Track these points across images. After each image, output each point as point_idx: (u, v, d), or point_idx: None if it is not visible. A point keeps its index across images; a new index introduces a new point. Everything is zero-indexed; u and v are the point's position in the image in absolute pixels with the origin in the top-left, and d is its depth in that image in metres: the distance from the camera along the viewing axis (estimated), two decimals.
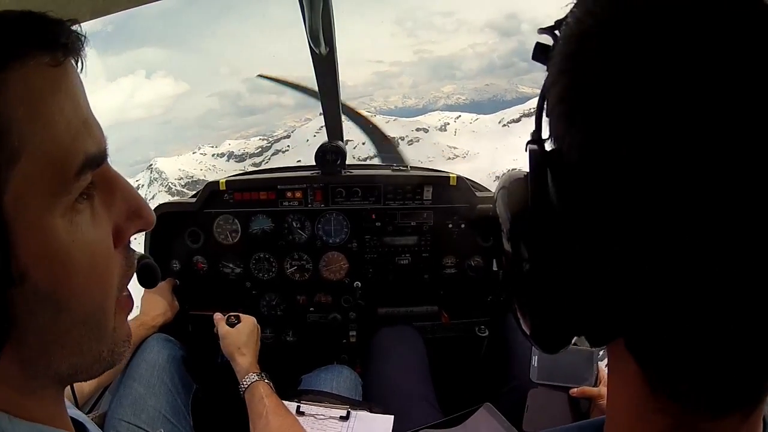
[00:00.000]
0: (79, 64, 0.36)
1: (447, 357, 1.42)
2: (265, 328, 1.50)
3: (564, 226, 0.31)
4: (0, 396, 0.35)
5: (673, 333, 0.29)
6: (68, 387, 0.43)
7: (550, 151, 0.33)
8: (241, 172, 1.65)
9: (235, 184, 1.39)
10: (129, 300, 0.42)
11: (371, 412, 1.10)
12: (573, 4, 0.31)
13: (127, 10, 0.81)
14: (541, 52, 0.33)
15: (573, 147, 0.30)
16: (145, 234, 1.41)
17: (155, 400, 1.08)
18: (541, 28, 0.33)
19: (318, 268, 1.44)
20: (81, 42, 0.35)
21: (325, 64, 1.27)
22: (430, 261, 1.43)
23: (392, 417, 1.06)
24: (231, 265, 1.45)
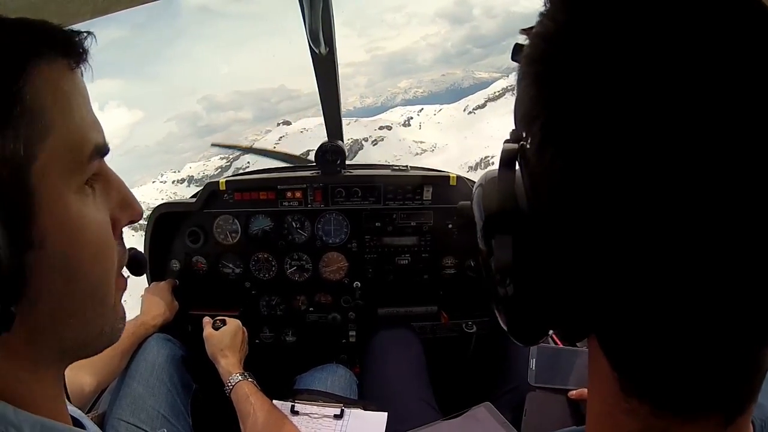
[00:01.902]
0: (86, 72, 0.41)
1: (446, 357, 1.42)
2: (264, 328, 1.50)
3: (533, 223, 0.32)
4: (4, 376, 0.37)
5: (641, 330, 0.29)
6: (76, 376, 0.45)
7: (518, 148, 0.34)
8: (241, 172, 1.64)
9: (234, 184, 1.39)
10: (125, 281, 0.46)
11: (365, 409, 1.10)
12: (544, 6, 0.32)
13: None
14: (516, 53, 0.34)
15: (532, 145, 0.31)
16: (145, 234, 1.41)
17: (154, 400, 1.08)
18: (522, 29, 0.34)
19: (318, 268, 1.44)
20: (88, 54, 0.41)
21: (325, 64, 1.27)
22: (430, 261, 1.43)
23: (386, 414, 1.07)
24: (231, 265, 1.45)
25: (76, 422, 0.48)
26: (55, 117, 0.36)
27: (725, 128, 0.25)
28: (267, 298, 1.48)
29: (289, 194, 1.39)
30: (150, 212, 1.42)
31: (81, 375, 1.01)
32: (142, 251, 1.43)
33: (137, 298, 1.38)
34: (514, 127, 0.36)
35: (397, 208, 1.39)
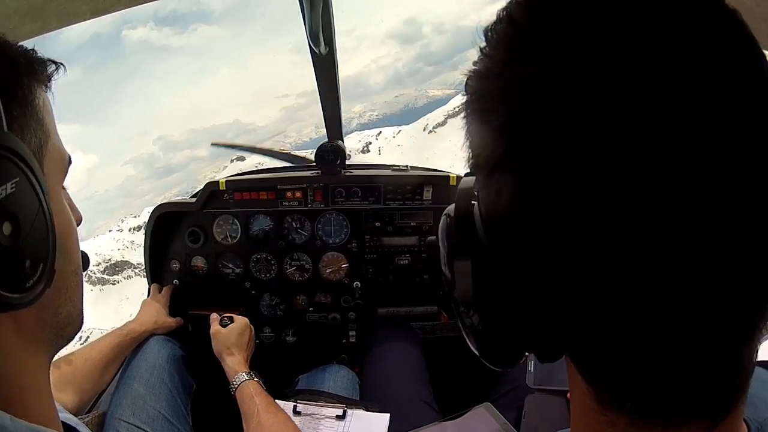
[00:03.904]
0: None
1: (446, 357, 1.42)
2: (264, 328, 1.50)
3: (493, 251, 0.32)
4: (8, 349, 0.40)
5: (611, 344, 0.29)
6: (57, 396, 0.50)
7: (474, 179, 0.34)
8: (241, 172, 1.64)
9: (234, 184, 1.39)
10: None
11: (367, 410, 1.10)
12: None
13: None
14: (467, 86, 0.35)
15: (483, 176, 0.32)
16: (145, 234, 1.41)
17: (155, 400, 1.08)
18: (474, 62, 0.34)
19: (318, 268, 1.44)
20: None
21: (325, 64, 1.27)
22: (430, 261, 1.42)
23: (388, 415, 1.06)
24: (231, 265, 1.45)
25: (72, 430, 0.51)
26: (50, 127, 0.44)
27: (663, 146, 0.25)
28: (267, 298, 1.48)
29: (289, 194, 1.39)
30: (150, 212, 1.42)
31: (63, 394, 1.01)
32: (142, 251, 1.44)
33: (137, 305, 1.38)
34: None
35: (397, 208, 1.39)
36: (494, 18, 0.32)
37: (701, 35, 0.26)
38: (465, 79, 0.34)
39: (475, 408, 0.88)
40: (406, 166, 1.44)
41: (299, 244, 1.42)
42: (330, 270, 1.44)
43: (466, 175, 0.36)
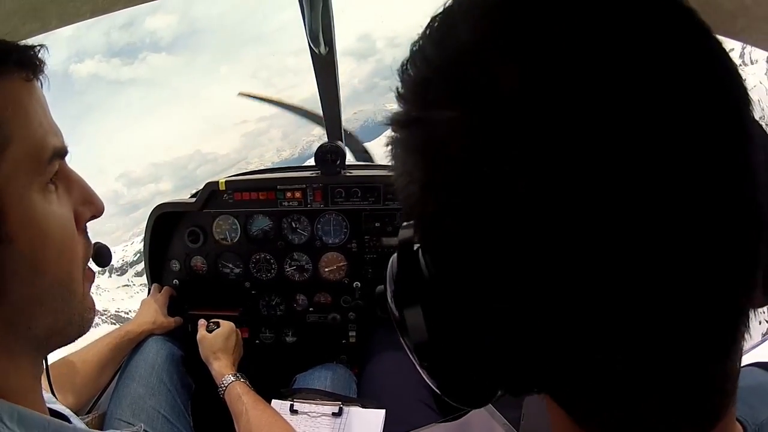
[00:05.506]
0: (43, 82, 0.45)
1: None
2: (264, 328, 1.50)
3: (444, 294, 0.29)
4: None
5: (585, 376, 0.26)
6: (47, 385, 0.49)
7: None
8: (241, 172, 1.65)
9: (234, 184, 1.39)
10: (93, 273, 0.51)
11: (363, 407, 1.10)
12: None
13: None
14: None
15: (424, 215, 0.29)
16: (145, 234, 1.41)
17: (154, 400, 1.08)
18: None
19: (317, 268, 1.44)
20: (44, 65, 0.44)
21: (325, 64, 1.27)
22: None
23: (383, 411, 1.07)
24: (230, 265, 1.45)
25: (62, 417, 0.50)
26: (14, 128, 0.40)
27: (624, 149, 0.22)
28: (267, 298, 1.48)
29: (288, 194, 1.39)
30: (150, 212, 1.42)
31: (60, 396, 1.00)
32: (142, 250, 1.44)
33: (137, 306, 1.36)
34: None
35: (397, 209, 1.39)
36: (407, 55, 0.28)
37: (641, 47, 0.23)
38: (386, 123, 0.30)
39: (475, 413, 0.88)
40: None
41: (299, 244, 1.42)
42: (329, 270, 1.44)
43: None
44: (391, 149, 0.30)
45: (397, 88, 0.28)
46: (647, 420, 0.27)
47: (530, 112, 0.23)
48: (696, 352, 0.25)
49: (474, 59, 0.24)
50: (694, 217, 0.23)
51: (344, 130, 1.57)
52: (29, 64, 0.43)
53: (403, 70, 0.28)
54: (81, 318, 0.46)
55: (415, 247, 0.32)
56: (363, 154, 1.85)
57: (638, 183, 0.22)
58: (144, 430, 0.95)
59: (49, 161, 0.43)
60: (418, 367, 0.34)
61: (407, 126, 0.28)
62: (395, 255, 0.34)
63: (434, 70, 0.26)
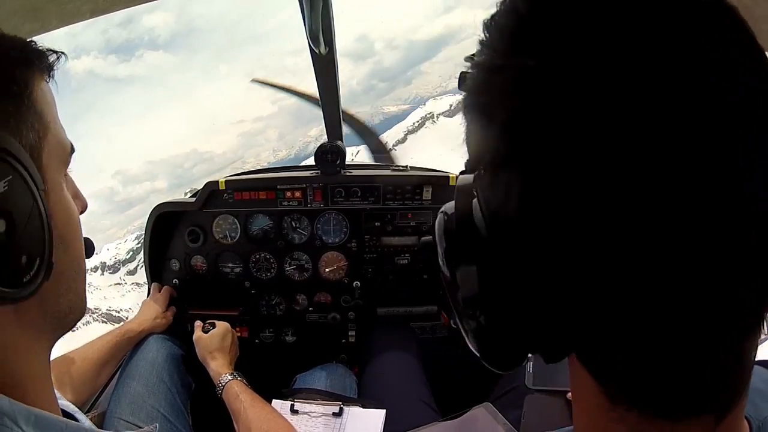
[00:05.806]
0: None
1: (446, 357, 1.42)
2: (264, 328, 1.50)
3: (497, 250, 0.31)
4: (9, 338, 0.41)
5: (621, 341, 0.29)
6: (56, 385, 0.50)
7: (475, 176, 0.33)
8: (241, 171, 1.65)
9: (234, 184, 1.39)
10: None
11: (364, 407, 1.10)
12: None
13: None
14: (462, 82, 0.34)
15: (488, 173, 0.31)
16: (145, 233, 1.41)
17: (154, 399, 1.08)
18: (466, 57, 0.33)
19: (317, 267, 1.44)
20: (55, 69, 0.48)
21: (325, 64, 1.27)
22: (429, 261, 1.42)
23: (384, 411, 1.07)
24: (230, 265, 1.45)
25: (70, 417, 0.52)
26: (48, 118, 0.44)
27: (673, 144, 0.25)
28: (267, 298, 1.48)
29: (288, 194, 1.39)
30: (150, 212, 1.42)
31: (60, 393, 1.01)
32: (135, 248, 1.43)
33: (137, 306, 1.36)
34: (467, 157, 0.35)
35: (396, 208, 1.39)
36: (494, 9, 0.30)
37: (709, 33, 0.26)
38: (460, 74, 0.32)
39: (475, 408, 0.88)
40: (406, 166, 1.44)
41: (299, 243, 1.42)
42: (329, 270, 1.44)
43: (462, 173, 0.35)
44: (467, 97, 0.32)
45: (481, 40, 0.30)
46: (664, 383, 0.29)
47: (611, 70, 0.25)
48: (723, 328, 0.27)
49: (563, 13, 0.27)
50: (738, 211, 0.25)
51: (365, 125, 1.57)
52: (50, 66, 0.47)
53: (489, 22, 0.30)
54: (83, 299, 0.50)
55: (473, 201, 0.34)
56: (380, 152, 1.83)
57: (689, 161, 0.25)
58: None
59: (70, 155, 0.48)
60: (461, 329, 0.36)
61: (491, 71, 0.29)
62: (448, 206, 0.36)
63: (523, 21, 0.28)
